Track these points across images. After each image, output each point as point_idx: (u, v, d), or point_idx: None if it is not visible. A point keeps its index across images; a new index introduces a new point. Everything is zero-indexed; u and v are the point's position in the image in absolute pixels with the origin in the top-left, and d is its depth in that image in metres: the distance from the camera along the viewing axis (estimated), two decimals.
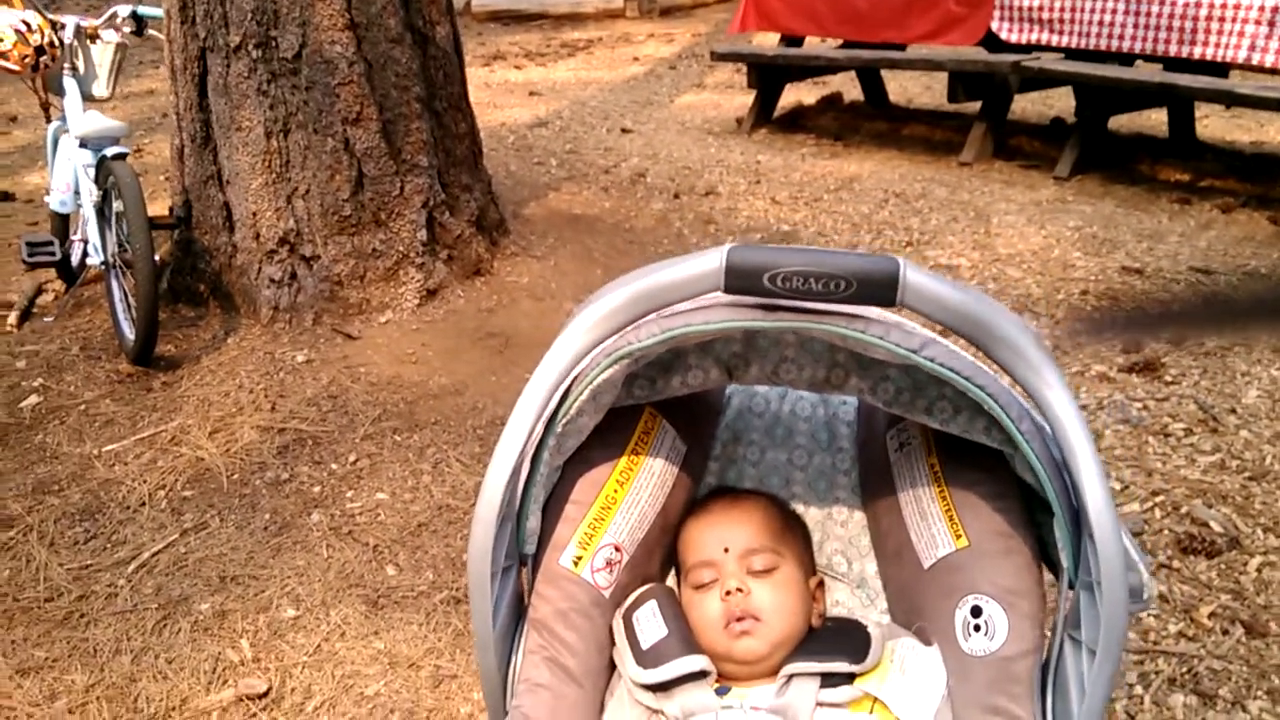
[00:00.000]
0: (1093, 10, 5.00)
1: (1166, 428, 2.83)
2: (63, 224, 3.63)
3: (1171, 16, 4.66)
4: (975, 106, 5.62)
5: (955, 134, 5.90)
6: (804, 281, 0.77)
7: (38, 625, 2.24)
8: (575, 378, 0.91)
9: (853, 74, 6.96)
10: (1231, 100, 4.59)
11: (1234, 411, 2.88)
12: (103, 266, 3.25)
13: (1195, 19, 4.59)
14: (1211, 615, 2.14)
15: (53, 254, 3.45)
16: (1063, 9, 5.13)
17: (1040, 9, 5.20)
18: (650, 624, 1.02)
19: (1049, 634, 0.93)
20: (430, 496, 2.69)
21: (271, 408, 3.01)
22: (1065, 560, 0.86)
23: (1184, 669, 2.01)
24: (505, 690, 0.95)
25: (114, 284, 3.28)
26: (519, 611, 1.00)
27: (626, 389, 0.98)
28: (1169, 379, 3.07)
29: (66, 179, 3.48)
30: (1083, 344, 3.33)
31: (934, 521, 1.00)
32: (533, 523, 0.96)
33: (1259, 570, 2.26)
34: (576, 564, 1.00)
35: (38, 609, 2.29)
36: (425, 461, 2.83)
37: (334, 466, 2.79)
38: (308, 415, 2.99)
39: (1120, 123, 5.69)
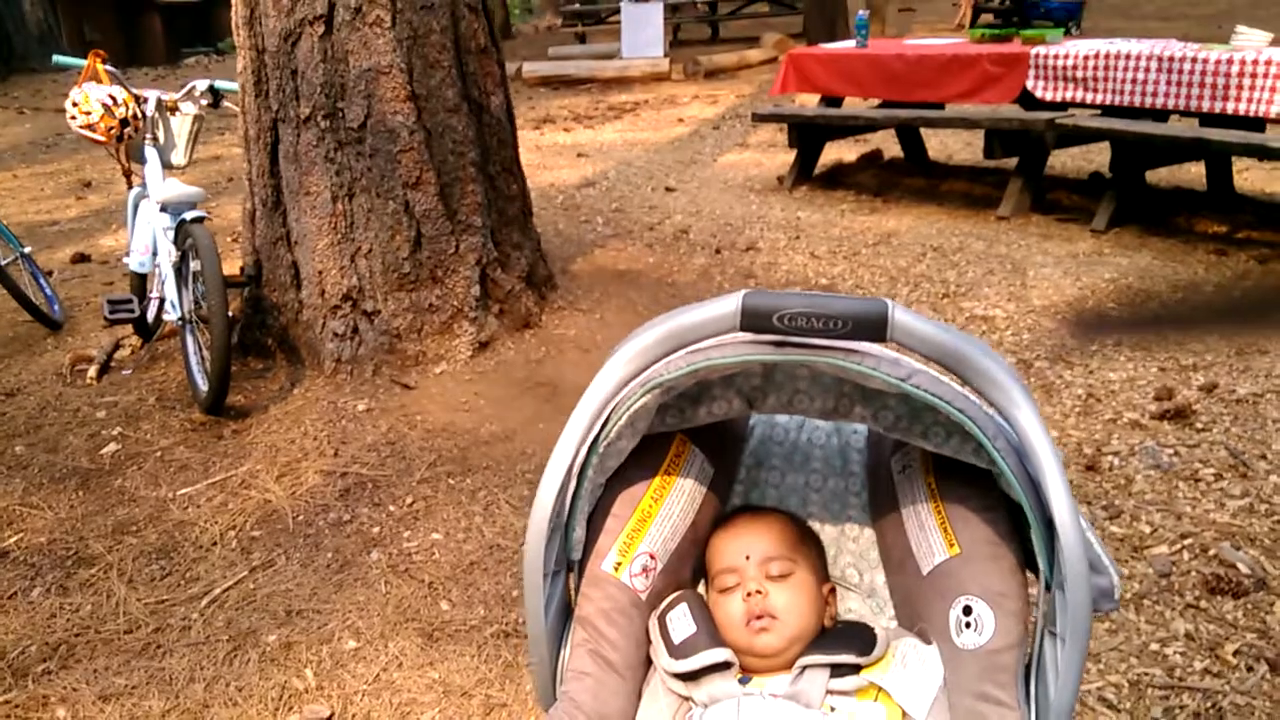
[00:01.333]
0: (1125, 69, 5.12)
1: (1197, 473, 2.89)
2: (141, 283, 3.86)
3: (1204, 74, 4.77)
4: (1013, 162, 5.74)
5: (993, 189, 6.02)
6: (807, 320, 0.92)
7: (118, 655, 2.40)
8: (615, 406, 1.05)
9: (892, 131, 7.13)
10: (1264, 154, 4.67)
11: (1264, 458, 2.93)
12: (179, 322, 3.48)
13: (1228, 75, 4.69)
14: (1236, 653, 2.19)
15: (132, 311, 3.68)
16: (1096, 68, 5.25)
17: (1074, 68, 5.33)
18: (682, 622, 1.16)
19: (1032, 630, 1.05)
20: (482, 537, 2.83)
21: (334, 453, 3.19)
22: (1042, 563, 0.98)
23: (1209, 704, 2.07)
24: (555, 680, 1.08)
25: (189, 339, 3.50)
26: (567, 612, 1.14)
27: (660, 417, 1.12)
28: (1200, 426, 3.13)
29: (146, 241, 3.73)
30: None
31: (931, 533, 1.12)
32: (579, 533, 1.10)
33: None
34: (617, 569, 1.15)
35: (118, 640, 2.45)
36: (477, 504, 2.97)
37: (392, 508, 2.95)
38: (368, 460, 3.16)
39: (1159, 176, 5.77)
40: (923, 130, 7.05)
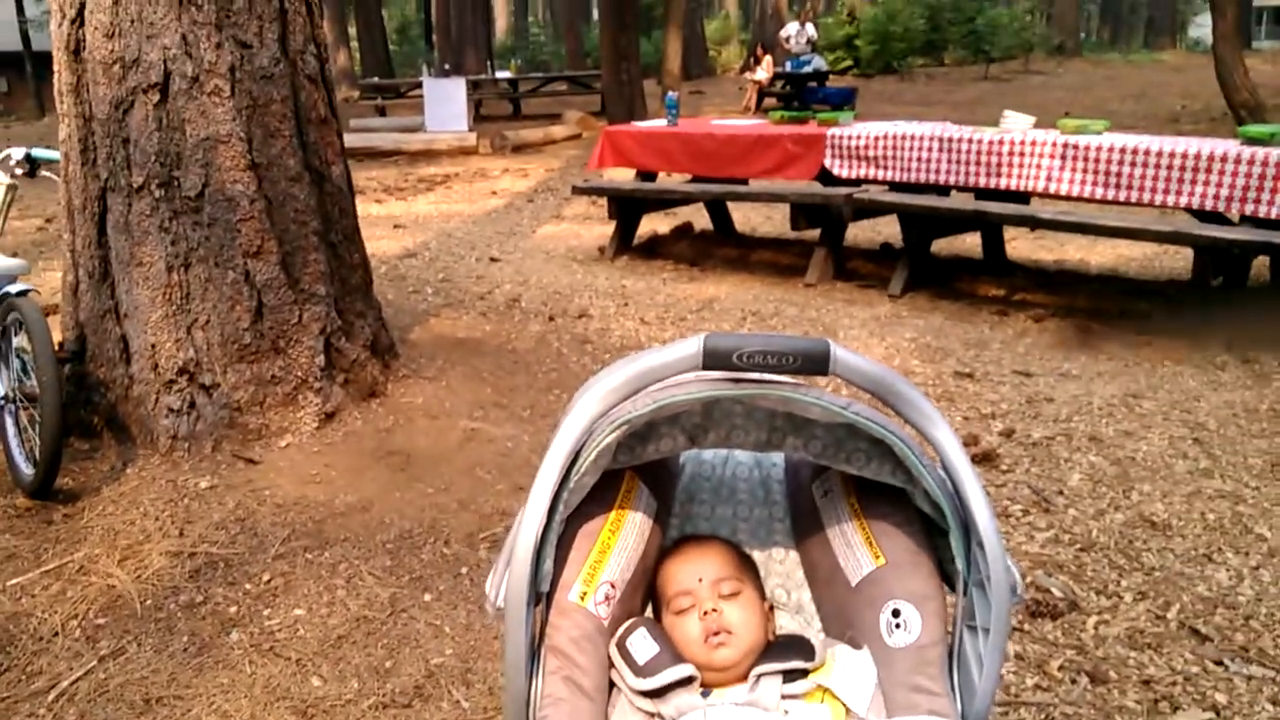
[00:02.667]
0: (911, 148, 5.70)
1: (1007, 509, 3.22)
2: None
3: (979, 153, 5.38)
4: (815, 233, 6.22)
5: (798, 258, 6.48)
6: (764, 358, 1.06)
7: None
8: (584, 444, 1.15)
9: (701, 205, 7.54)
10: (1035, 224, 5.28)
11: (1061, 493, 3.31)
12: (1, 402, 3.25)
13: (999, 154, 5.31)
14: (1060, 668, 2.46)
15: None
16: (885, 147, 5.81)
17: (866, 148, 5.88)
18: (643, 644, 1.25)
19: (950, 628, 1.21)
20: (347, 610, 2.78)
21: (180, 533, 3.05)
22: (959, 565, 1.15)
23: (1042, 716, 2.32)
24: (528, 707, 1.15)
25: (7, 420, 3.27)
26: (533, 641, 1.21)
27: (613, 455, 1.23)
28: (1004, 467, 3.49)
29: None
30: None
31: (857, 548, 1.28)
32: (547, 565, 1.18)
33: (1095, 627, 2.61)
34: (582, 598, 1.23)
35: None
36: (338, 577, 2.92)
37: (248, 586, 2.85)
38: (217, 539, 3.04)
39: (940, 246, 6.40)
40: (729, 204, 7.50)
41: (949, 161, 5.56)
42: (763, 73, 17.40)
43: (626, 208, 6.89)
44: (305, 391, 3.62)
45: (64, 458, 3.38)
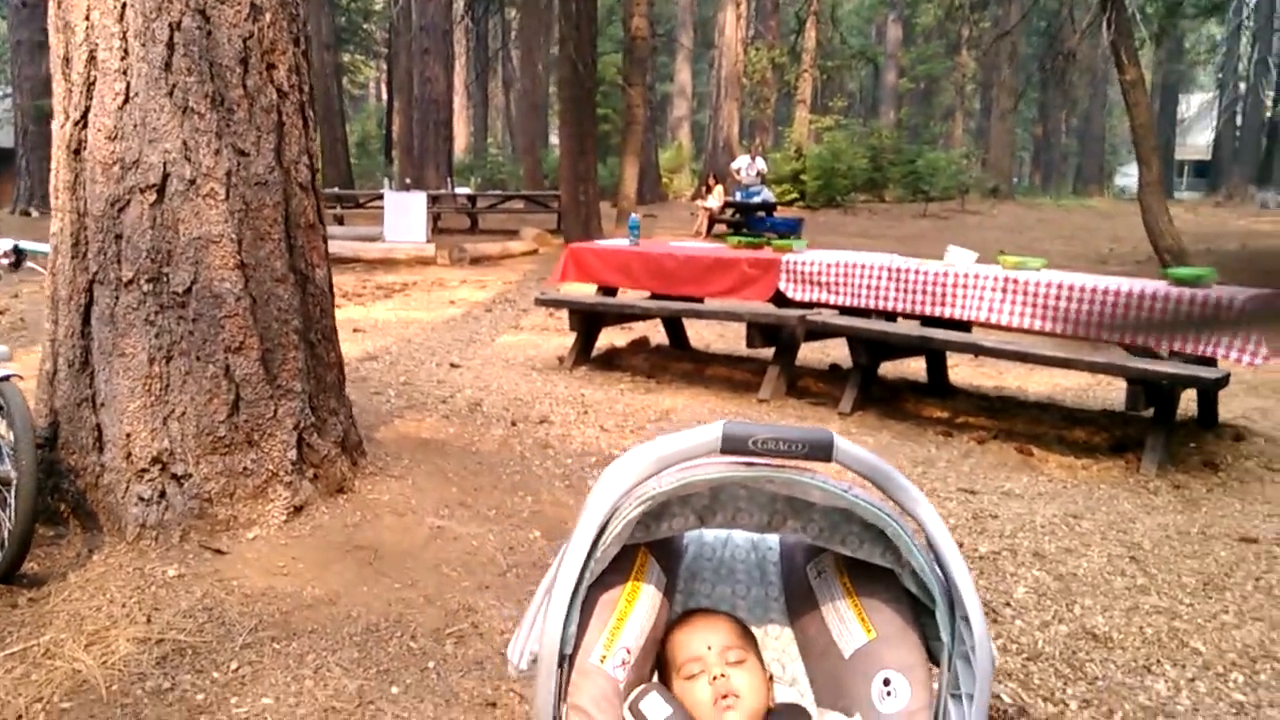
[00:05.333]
0: (861, 276, 6.01)
1: None
2: None
3: (925, 284, 5.70)
4: (768, 352, 6.46)
5: (751, 375, 6.70)
6: (775, 444, 1.21)
7: None
8: (612, 517, 1.27)
9: (658, 321, 7.79)
10: (978, 351, 5.57)
11: (1008, 605, 3.46)
12: None
13: (944, 285, 5.63)
14: None
15: None
16: (837, 274, 6.12)
17: (819, 273, 6.19)
18: (656, 708, 1.35)
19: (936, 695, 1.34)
20: (315, 700, 2.80)
21: (147, 620, 3.05)
22: (945, 636, 1.29)
23: None
24: None
25: None
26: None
27: (631, 531, 1.35)
28: None
29: None
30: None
31: (850, 622, 1.40)
32: (572, 629, 1.28)
33: None
34: (603, 661, 1.33)
35: None
36: (306, 667, 2.94)
37: (216, 674, 2.85)
38: (184, 626, 3.05)
39: (887, 369, 6.67)
40: (686, 321, 7.76)
41: (897, 290, 5.87)
42: (714, 200, 18.08)
43: (588, 320, 7.10)
44: (276, 485, 3.67)
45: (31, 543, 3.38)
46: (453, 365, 6.93)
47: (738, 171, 18.99)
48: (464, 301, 10.44)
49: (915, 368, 6.88)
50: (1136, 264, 13.92)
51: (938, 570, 1.27)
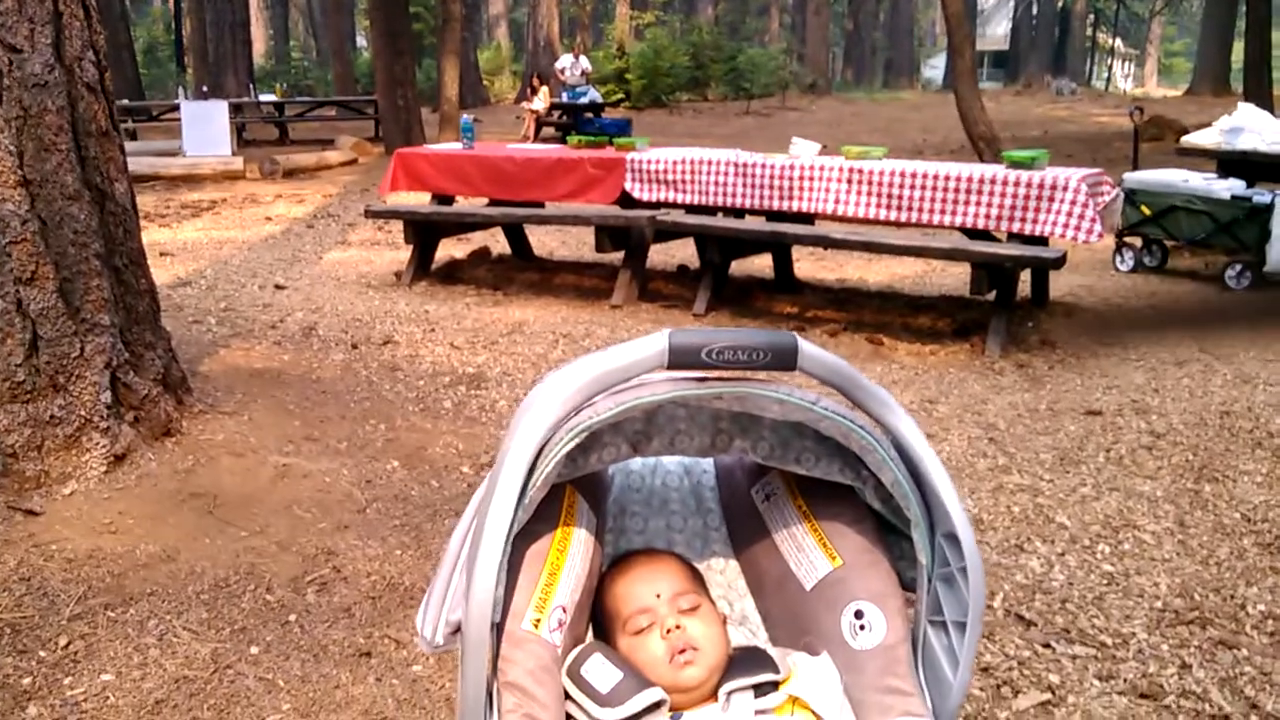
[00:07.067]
0: (708, 173, 5.86)
1: None
2: None
3: (772, 177, 5.60)
4: (617, 256, 6.27)
5: (601, 281, 6.51)
6: (734, 353, 1.01)
7: None
8: (540, 455, 1.05)
9: (497, 230, 7.44)
10: (828, 244, 5.55)
11: None
12: None
13: (790, 178, 5.55)
14: None
15: None
16: (683, 172, 5.95)
17: (665, 172, 5.99)
18: (602, 672, 1.15)
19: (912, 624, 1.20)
20: (163, 670, 2.49)
21: None
22: (924, 558, 1.14)
23: None
24: None
25: None
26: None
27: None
28: None
29: None
30: None
31: (810, 550, 1.24)
32: (499, 592, 1.07)
33: None
34: (537, 625, 1.12)
35: None
36: (148, 635, 2.62)
37: (42, 654, 2.50)
38: (0, 602, 2.65)
39: (734, 267, 6.61)
40: (528, 228, 7.44)
41: (744, 185, 5.75)
42: (540, 103, 17.49)
43: (424, 232, 6.68)
44: (90, 432, 3.24)
45: None
46: (278, 287, 6.41)
47: (562, 71, 18.41)
48: (282, 218, 9.72)
49: (760, 264, 6.84)
50: (950, 153, 14.39)
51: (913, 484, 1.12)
